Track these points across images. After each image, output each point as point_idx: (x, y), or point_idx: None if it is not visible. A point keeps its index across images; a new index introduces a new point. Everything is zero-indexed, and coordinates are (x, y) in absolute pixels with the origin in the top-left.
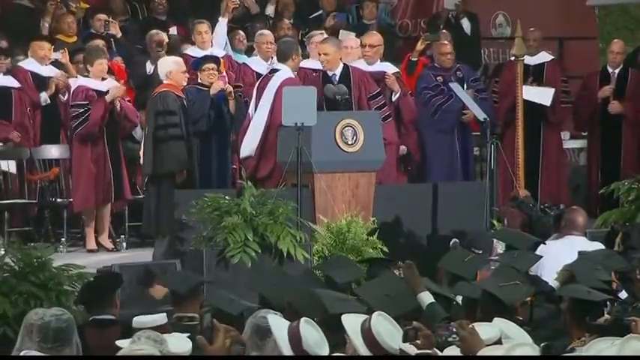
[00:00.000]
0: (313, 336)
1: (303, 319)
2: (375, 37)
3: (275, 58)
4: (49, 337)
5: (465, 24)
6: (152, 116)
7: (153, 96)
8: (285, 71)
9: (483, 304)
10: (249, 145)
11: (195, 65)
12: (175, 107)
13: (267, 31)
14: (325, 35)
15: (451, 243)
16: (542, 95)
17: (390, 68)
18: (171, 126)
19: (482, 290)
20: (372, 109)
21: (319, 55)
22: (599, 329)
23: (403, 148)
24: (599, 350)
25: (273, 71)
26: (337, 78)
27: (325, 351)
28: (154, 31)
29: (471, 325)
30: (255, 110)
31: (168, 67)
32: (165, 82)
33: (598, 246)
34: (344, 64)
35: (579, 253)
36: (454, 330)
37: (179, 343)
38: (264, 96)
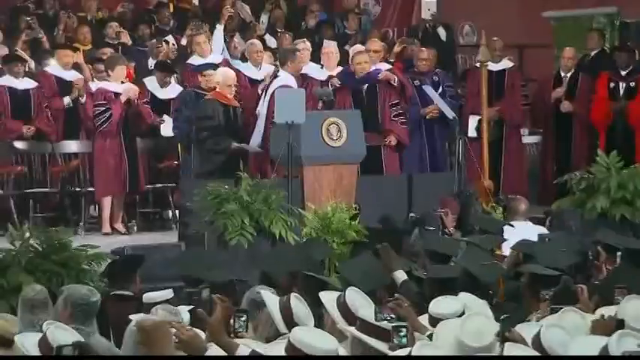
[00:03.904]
0: (302, 309)
1: (292, 295)
2: (376, 44)
3: (263, 64)
4: (85, 312)
5: (442, 33)
6: (196, 118)
7: (202, 101)
8: (284, 76)
9: (463, 282)
10: (257, 136)
11: (197, 69)
12: (217, 113)
13: (256, 41)
14: (307, 43)
15: (409, 217)
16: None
17: (385, 66)
18: (212, 128)
19: (462, 269)
20: (392, 115)
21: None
22: (552, 296)
23: (392, 138)
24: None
25: (276, 76)
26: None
27: (311, 323)
28: (153, 41)
29: (407, 304)
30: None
31: (217, 79)
32: (217, 90)
33: (541, 229)
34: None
35: (539, 235)
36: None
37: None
38: (267, 97)
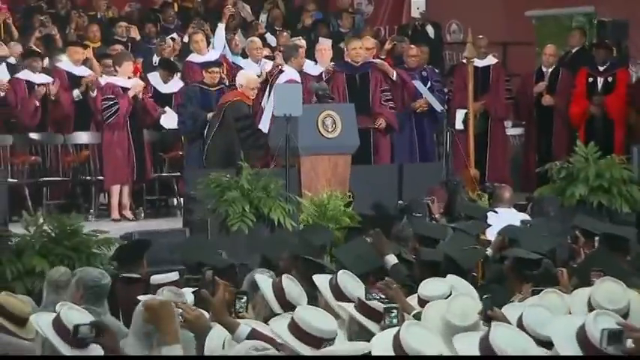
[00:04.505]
0: (294, 289)
1: (284, 276)
2: (369, 41)
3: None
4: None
5: (430, 31)
6: (230, 120)
7: (226, 103)
8: (289, 71)
9: (445, 265)
10: (265, 121)
11: (203, 65)
12: (248, 112)
13: (256, 39)
14: (302, 41)
15: (398, 204)
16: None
17: (377, 60)
18: (250, 129)
19: (444, 254)
20: (382, 100)
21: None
22: (534, 278)
23: (382, 121)
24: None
25: (281, 71)
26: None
27: (304, 302)
28: (158, 39)
29: (395, 285)
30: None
31: (241, 81)
32: (239, 90)
33: (524, 216)
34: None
35: (522, 221)
36: (381, 288)
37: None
38: (273, 91)
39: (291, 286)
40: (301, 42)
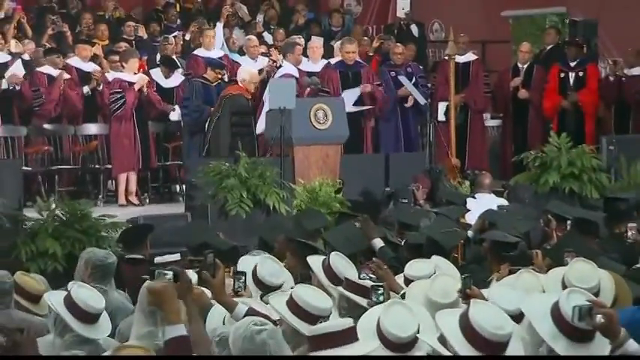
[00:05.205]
0: (268, 267)
1: (265, 255)
2: (351, 46)
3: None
4: (102, 272)
5: (414, 29)
6: (227, 112)
7: (227, 95)
8: (287, 66)
9: (429, 247)
10: (261, 122)
11: (207, 61)
12: (246, 107)
13: (253, 37)
14: (302, 40)
15: (385, 191)
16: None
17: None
18: (246, 125)
19: (428, 236)
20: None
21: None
22: (511, 259)
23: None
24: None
25: (280, 66)
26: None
27: (280, 280)
28: (162, 37)
29: (385, 266)
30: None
31: (243, 76)
32: (240, 84)
33: (502, 201)
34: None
35: (498, 206)
36: (372, 269)
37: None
38: None
39: (265, 264)
40: (300, 40)
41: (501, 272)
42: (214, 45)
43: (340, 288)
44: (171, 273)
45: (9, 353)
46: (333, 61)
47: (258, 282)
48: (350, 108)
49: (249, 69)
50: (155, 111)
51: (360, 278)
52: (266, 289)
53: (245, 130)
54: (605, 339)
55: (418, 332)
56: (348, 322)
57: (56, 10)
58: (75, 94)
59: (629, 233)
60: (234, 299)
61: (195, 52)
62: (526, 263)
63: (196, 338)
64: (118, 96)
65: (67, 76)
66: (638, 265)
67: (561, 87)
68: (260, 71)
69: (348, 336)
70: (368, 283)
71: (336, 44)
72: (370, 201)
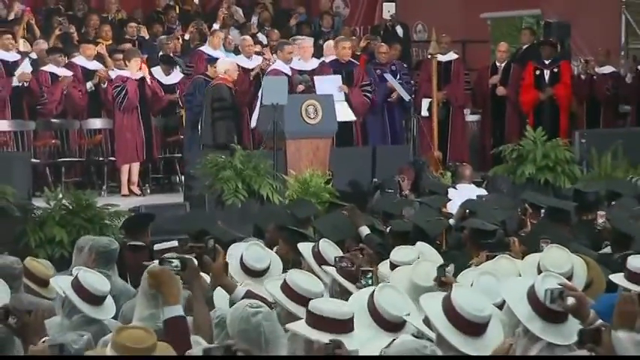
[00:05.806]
0: (252, 253)
1: (251, 242)
2: (348, 42)
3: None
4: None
5: (399, 30)
6: (209, 101)
7: (212, 86)
8: (277, 63)
9: (414, 234)
10: (254, 117)
11: (210, 59)
12: (227, 95)
13: (248, 37)
14: (297, 42)
15: (373, 182)
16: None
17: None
18: (225, 109)
19: (413, 224)
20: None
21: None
22: (489, 246)
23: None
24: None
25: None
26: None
27: (265, 265)
28: (162, 37)
29: (362, 256)
30: None
31: (226, 67)
32: (221, 75)
33: (481, 191)
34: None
35: (477, 196)
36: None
37: None
38: None
39: (250, 250)
40: (295, 42)
41: (480, 258)
42: (220, 47)
43: (331, 271)
44: (177, 261)
45: (18, 333)
46: (327, 59)
47: (244, 267)
48: (340, 117)
49: (228, 60)
50: (159, 104)
51: (336, 267)
52: (252, 273)
53: (224, 113)
54: (575, 320)
55: (409, 314)
56: (349, 312)
57: (63, 12)
58: (78, 92)
59: (600, 221)
60: (234, 282)
61: (201, 48)
62: (503, 250)
63: (200, 321)
64: (120, 89)
65: (69, 73)
66: (604, 250)
67: (537, 83)
68: (254, 69)
69: (346, 326)
70: (356, 269)
71: (328, 43)
72: (358, 191)
